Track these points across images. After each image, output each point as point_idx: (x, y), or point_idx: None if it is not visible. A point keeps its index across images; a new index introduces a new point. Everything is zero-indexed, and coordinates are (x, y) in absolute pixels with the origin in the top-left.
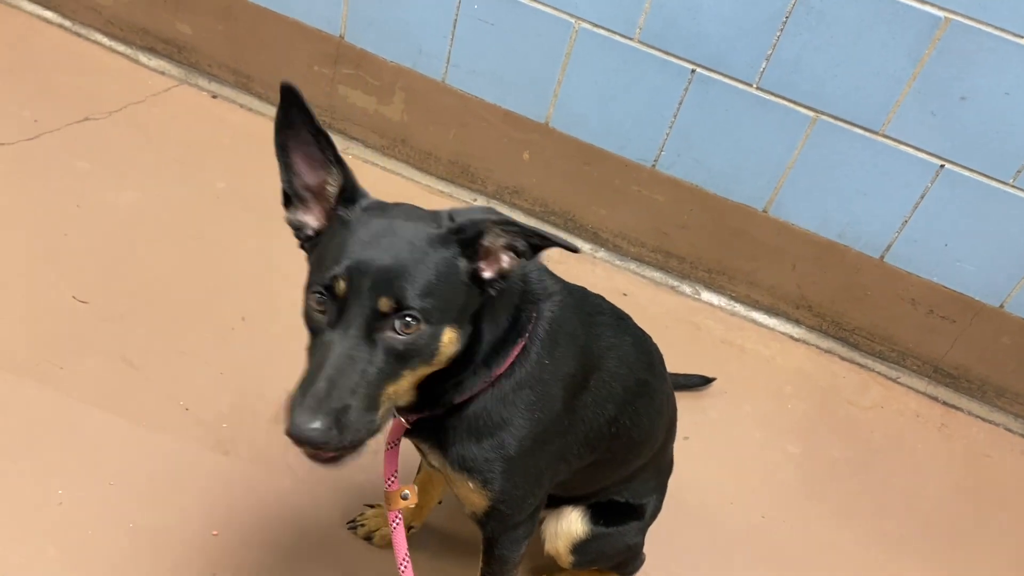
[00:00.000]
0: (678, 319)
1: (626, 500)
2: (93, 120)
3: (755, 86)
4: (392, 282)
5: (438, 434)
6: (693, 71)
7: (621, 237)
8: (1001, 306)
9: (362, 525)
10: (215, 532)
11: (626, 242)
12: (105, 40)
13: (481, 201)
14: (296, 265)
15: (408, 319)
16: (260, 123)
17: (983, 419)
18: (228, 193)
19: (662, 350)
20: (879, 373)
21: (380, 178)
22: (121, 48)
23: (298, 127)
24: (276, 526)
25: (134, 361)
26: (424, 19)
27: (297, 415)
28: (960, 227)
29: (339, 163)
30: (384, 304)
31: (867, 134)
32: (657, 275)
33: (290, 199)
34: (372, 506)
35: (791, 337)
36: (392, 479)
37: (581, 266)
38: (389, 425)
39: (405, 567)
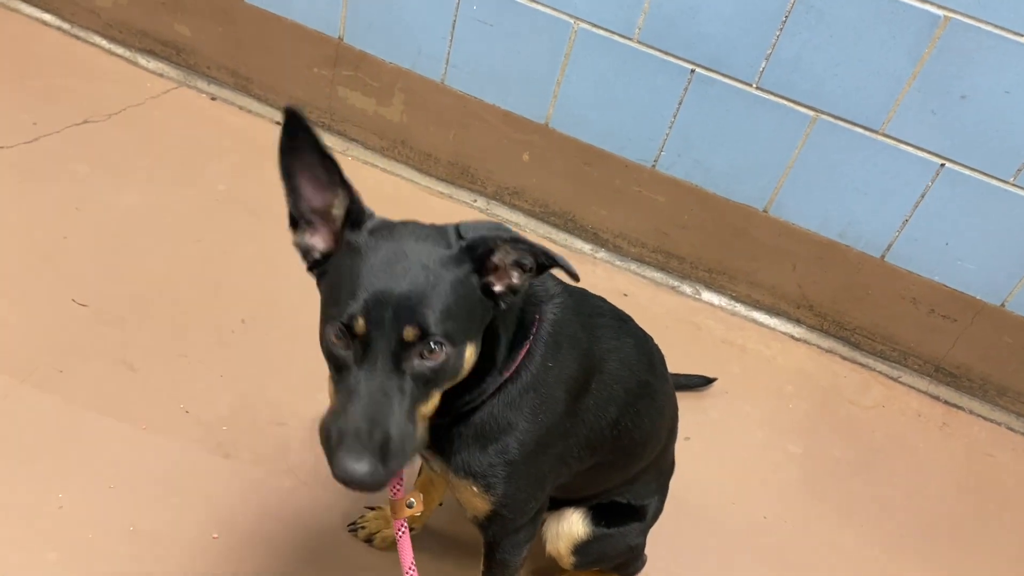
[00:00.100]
0: (679, 319)
1: (628, 501)
2: (92, 123)
3: (755, 86)
4: (414, 310)
5: (442, 441)
6: (693, 71)
7: (621, 237)
8: (1002, 305)
9: (363, 527)
10: (215, 535)
11: (626, 242)
12: (104, 43)
13: (481, 202)
14: (296, 266)
15: (433, 345)
16: (260, 125)
17: (985, 418)
18: (228, 195)
19: (663, 350)
20: (880, 372)
21: (380, 179)
22: (120, 51)
23: (303, 150)
24: (276, 529)
25: (134, 364)
26: (423, 20)
27: (342, 459)
28: (961, 226)
29: (345, 185)
30: (409, 334)
31: (867, 133)
32: (657, 275)
33: (296, 222)
34: (373, 508)
35: (792, 337)
36: (397, 487)
37: (581, 267)
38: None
39: (411, 575)
